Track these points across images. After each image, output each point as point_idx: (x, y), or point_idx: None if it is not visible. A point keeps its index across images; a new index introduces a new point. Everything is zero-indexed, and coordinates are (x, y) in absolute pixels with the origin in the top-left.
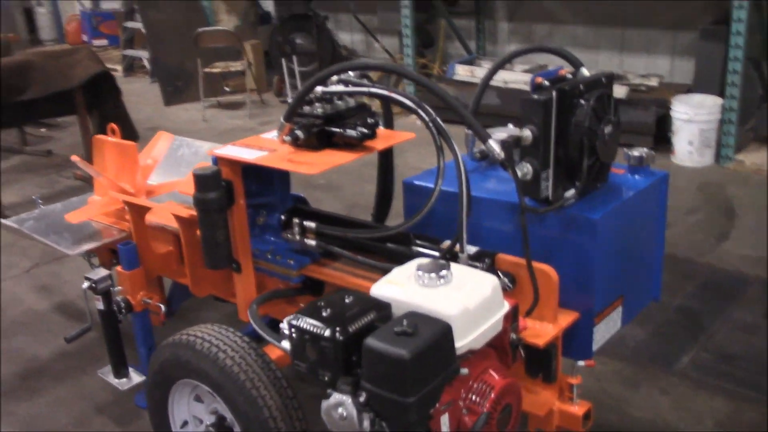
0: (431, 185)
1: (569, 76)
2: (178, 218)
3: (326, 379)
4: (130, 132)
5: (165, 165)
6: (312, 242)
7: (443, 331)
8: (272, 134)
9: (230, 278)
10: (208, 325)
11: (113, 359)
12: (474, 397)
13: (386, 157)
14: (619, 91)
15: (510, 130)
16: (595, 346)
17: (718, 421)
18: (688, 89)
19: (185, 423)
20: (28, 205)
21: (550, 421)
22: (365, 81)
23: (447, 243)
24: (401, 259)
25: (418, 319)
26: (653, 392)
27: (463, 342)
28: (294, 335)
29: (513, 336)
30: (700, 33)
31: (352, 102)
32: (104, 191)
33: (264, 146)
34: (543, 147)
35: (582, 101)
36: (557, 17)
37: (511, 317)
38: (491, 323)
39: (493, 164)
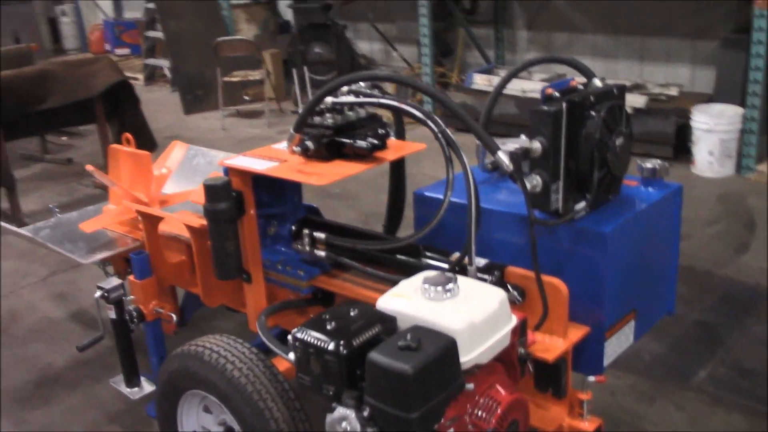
0: (441, 197)
1: (580, 87)
2: (189, 228)
3: (330, 392)
4: (148, 141)
5: (180, 174)
6: (322, 253)
7: (448, 346)
8: (284, 144)
9: (241, 288)
10: (217, 336)
11: (125, 368)
12: (480, 413)
13: (398, 168)
14: (638, 101)
15: (522, 141)
16: (606, 361)
17: None
18: (709, 99)
19: None
20: (47, 213)
21: None
22: (376, 91)
23: (456, 255)
24: (411, 270)
25: (423, 334)
26: (669, 408)
27: (468, 357)
28: (298, 348)
29: (521, 350)
30: (721, 42)
31: (363, 113)
32: (119, 200)
33: (275, 157)
34: (553, 159)
35: (593, 113)
36: (577, 26)
37: (519, 331)
38: (498, 338)
39: (505, 175)
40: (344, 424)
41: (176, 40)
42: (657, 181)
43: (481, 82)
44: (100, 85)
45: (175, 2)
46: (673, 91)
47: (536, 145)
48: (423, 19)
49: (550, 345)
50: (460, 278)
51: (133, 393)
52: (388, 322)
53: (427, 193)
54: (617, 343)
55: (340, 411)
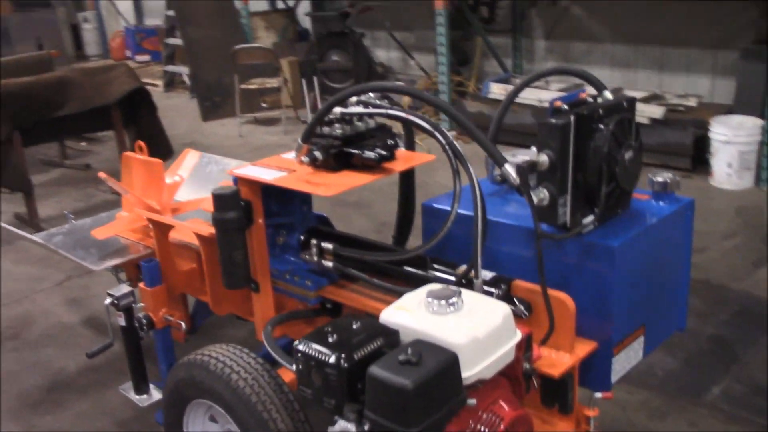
0: (449, 209)
1: (590, 99)
2: (199, 236)
3: (331, 406)
4: (165, 147)
5: (193, 182)
6: (329, 264)
7: (449, 361)
8: (293, 154)
9: (250, 297)
10: (223, 346)
11: (134, 376)
12: (482, 429)
13: (407, 179)
14: (656, 112)
15: (532, 153)
16: (614, 378)
17: None
18: (729, 110)
19: None
20: (63, 219)
21: None
22: (385, 102)
23: (463, 268)
24: (417, 282)
25: (424, 348)
26: (681, 424)
27: (471, 372)
28: (300, 360)
29: (526, 365)
30: (742, 53)
31: (372, 123)
32: (131, 208)
33: (284, 166)
34: (560, 172)
35: (601, 126)
36: (595, 36)
37: (525, 346)
38: (502, 353)
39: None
40: None
41: (195, 47)
42: (668, 195)
43: (497, 91)
44: (118, 92)
45: (194, 10)
46: (692, 102)
47: (543, 158)
48: (440, 28)
49: (557, 360)
50: (465, 292)
51: (142, 400)
52: (391, 335)
53: (435, 205)
54: (626, 359)
55: (341, 424)
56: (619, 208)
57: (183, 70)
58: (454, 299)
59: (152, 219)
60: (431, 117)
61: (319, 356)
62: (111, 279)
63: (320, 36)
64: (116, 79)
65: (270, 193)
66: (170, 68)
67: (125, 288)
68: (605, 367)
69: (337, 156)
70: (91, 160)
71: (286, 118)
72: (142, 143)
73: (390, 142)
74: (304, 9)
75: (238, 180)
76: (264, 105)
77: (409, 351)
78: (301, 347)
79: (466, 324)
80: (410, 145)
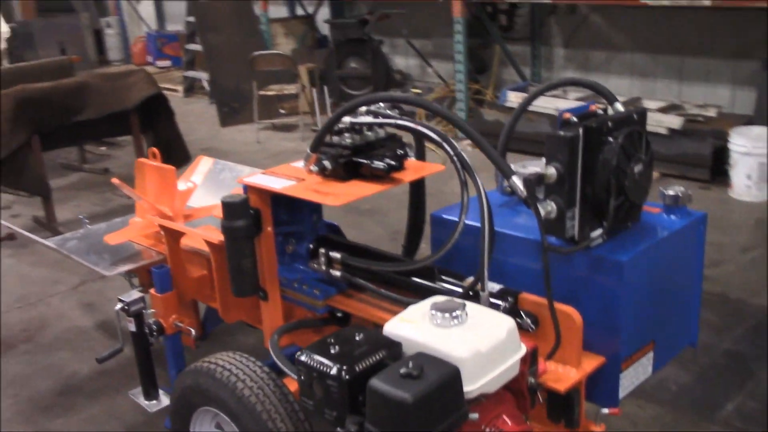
0: (458, 219)
1: (600, 111)
2: (209, 243)
3: (332, 417)
4: (182, 153)
5: (207, 188)
6: (337, 273)
7: (450, 375)
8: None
9: (259, 305)
10: (230, 354)
11: (143, 381)
12: None
13: (418, 189)
14: (675, 122)
15: (543, 164)
16: (622, 393)
17: None
18: (749, 121)
19: None
20: (81, 223)
21: None
22: (395, 112)
23: (470, 279)
24: (425, 293)
25: (426, 361)
26: None
27: (473, 386)
28: (302, 371)
29: (531, 380)
30: (762, 63)
31: (382, 133)
32: (145, 213)
33: (293, 175)
34: (568, 185)
35: (610, 139)
36: (614, 44)
37: (530, 360)
38: (506, 367)
39: None
40: None
41: (214, 52)
42: (680, 208)
43: (515, 99)
44: (136, 98)
45: (214, 16)
46: (712, 112)
47: (551, 170)
48: (458, 36)
49: (563, 375)
50: (469, 305)
51: (151, 406)
52: (394, 347)
53: (444, 216)
54: (634, 375)
55: None
56: (629, 222)
57: (203, 76)
58: (458, 312)
59: (163, 225)
60: (444, 128)
61: (321, 367)
62: (126, 284)
63: (339, 43)
64: (135, 84)
65: (280, 201)
66: (190, 74)
67: (136, 294)
68: (613, 382)
69: (346, 165)
70: (110, 165)
71: (303, 124)
72: (155, 150)
73: (399, 152)
74: (323, 16)
75: (247, 188)
76: (282, 111)
77: (411, 364)
78: (303, 358)
79: (469, 337)
80: (420, 155)
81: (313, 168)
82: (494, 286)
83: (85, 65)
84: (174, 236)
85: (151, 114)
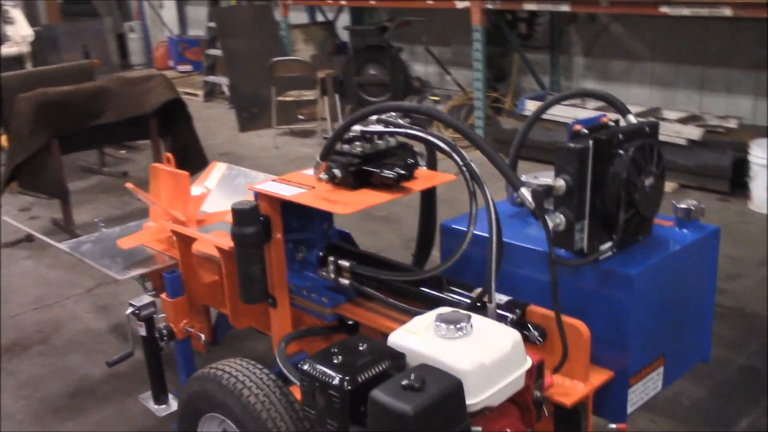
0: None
1: (612, 123)
2: (219, 249)
3: (334, 428)
4: (199, 158)
5: (221, 194)
6: (346, 281)
7: (453, 387)
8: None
9: (268, 312)
10: (237, 360)
11: (153, 385)
12: None
13: (429, 198)
14: (694, 133)
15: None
16: (630, 408)
17: None
18: None
19: None
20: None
21: None
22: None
23: (479, 290)
24: (432, 303)
25: (428, 373)
26: None
27: (476, 399)
28: (304, 381)
29: (537, 393)
30: None
31: (393, 142)
32: (158, 218)
33: (303, 183)
34: (578, 198)
35: (621, 151)
36: (635, 53)
37: (536, 374)
38: (510, 380)
39: None
40: None
41: (234, 58)
42: (692, 222)
43: (533, 108)
44: (154, 102)
45: (234, 21)
46: (732, 124)
47: (560, 182)
48: (476, 44)
49: (570, 389)
50: (475, 317)
51: (160, 410)
52: (397, 358)
53: (453, 225)
54: (643, 390)
55: None
56: (639, 235)
57: (223, 81)
58: (462, 324)
59: (175, 230)
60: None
61: (323, 377)
62: (140, 288)
63: (358, 50)
64: (153, 89)
65: (290, 208)
66: (210, 79)
67: (147, 298)
68: (621, 397)
69: (356, 174)
70: (129, 168)
71: (321, 130)
72: (169, 155)
73: (410, 161)
74: (343, 22)
75: (258, 195)
76: (301, 117)
77: (412, 376)
78: (305, 367)
79: (473, 350)
80: (432, 165)
81: (323, 176)
82: (502, 298)
83: (108, 69)
84: (186, 241)
85: (169, 118)
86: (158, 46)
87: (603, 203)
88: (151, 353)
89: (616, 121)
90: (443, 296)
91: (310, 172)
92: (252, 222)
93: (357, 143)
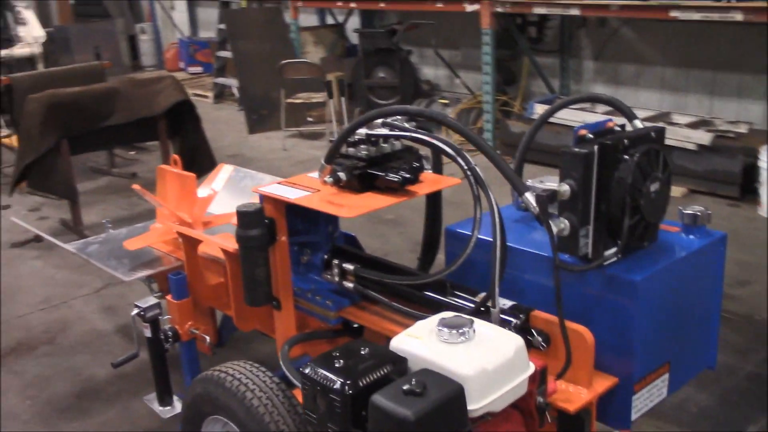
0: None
1: (617, 128)
2: (224, 252)
3: None
4: (208, 159)
5: (228, 196)
6: (350, 285)
7: (454, 393)
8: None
9: (273, 314)
10: (240, 363)
11: (158, 387)
12: None
13: (434, 202)
14: (704, 138)
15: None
16: (634, 415)
17: None
18: None
19: None
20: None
21: None
22: (411, 124)
23: (483, 295)
24: (436, 308)
25: (430, 378)
26: None
27: (478, 404)
28: (305, 385)
29: (540, 399)
30: None
31: (398, 145)
32: (165, 220)
33: (308, 186)
34: (582, 203)
35: (626, 156)
36: (645, 58)
37: (539, 379)
38: (513, 385)
39: None
40: None
41: (244, 60)
42: (699, 228)
43: (542, 112)
44: (163, 104)
45: (244, 23)
46: (743, 129)
47: (565, 187)
48: (486, 48)
49: (574, 395)
50: (478, 322)
51: (165, 412)
52: (399, 363)
53: (458, 229)
54: (648, 397)
55: None
56: (645, 241)
57: (232, 83)
58: (465, 329)
59: (181, 232)
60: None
61: (325, 381)
62: (146, 289)
63: (367, 52)
64: (163, 90)
65: (295, 211)
66: (220, 80)
67: (152, 300)
68: (625, 404)
69: (360, 177)
70: (138, 169)
71: (329, 132)
72: (176, 156)
73: (415, 164)
74: (353, 25)
75: (263, 198)
76: (310, 119)
77: (413, 381)
78: (307, 371)
79: (475, 355)
80: (437, 168)
81: (328, 179)
82: (506, 303)
83: (119, 70)
84: (191, 243)
85: (178, 120)
86: (169, 47)
87: (608, 209)
88: (156, 355)
89: (623, 126)
90: (447, 300)
91: (316, 174)
92: (257, 224)
93: (362, 146)
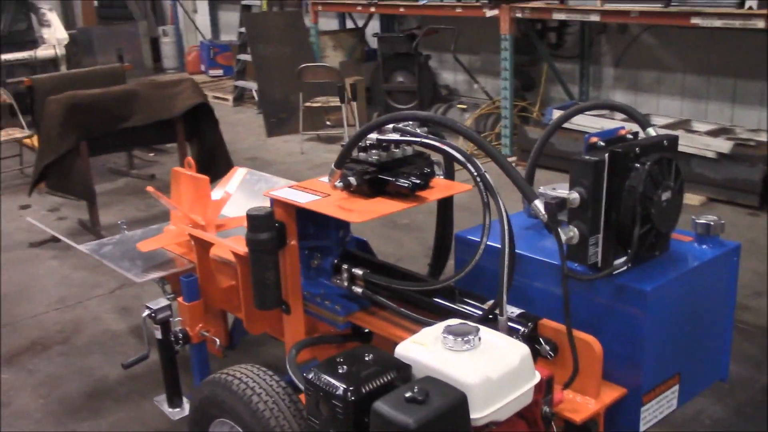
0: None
1: (630, 136)
2: (235, 254)
3: None
4: (225, 162)
5: (243, 199)
6: (359, 290)
7: (457, 401)
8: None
9: (282, 318)
10: (248, 366)
11: (168, 388)
12: None
13: (445, 208)
14: (724, 146)
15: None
16: (643, 427)
17: None
18: None
19: None
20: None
21: None
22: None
23: (491, 302)
24: (444, 314)
25: (432, 386)
26: None
27: (481, 413)
28: (309, 390)
29: (546, 409)
30: None
31: (410, 150)
32: (178, 222)
33: (319, 190)
34: (592, 211)
35: (637, 165)
36: (666, 65)
37: (545, 389)
38: (517, 395)
39: None
40: None
41: (264, 63)
42: (712, 238)
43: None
44: (181, 107)
45: (264, 27)
46: (763, 137)
47: (574, 195)
48: (505, 53)
49: (581, 405)
50: (484, 330)
51: (174, 413)
52: (403, 370)
53: (468, 236)
54: (657, 408)
55: None
56: (656, 250)
57: (252, 86)
58: (470, 336)
59: (193, 235)
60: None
61: (327, 387)
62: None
63: (386, 57)
64: (181, 93)
65: (306, 215)
66: (240, 83)
67: (163, 301)
68: (633, 415)
69: (371, 182)
70: (157, 171)
71: (348, 136)
72: (190, 159)
73: (426, 170)
74: (373, 29)
75: (273, 201)
76: (328, 123)
77: (416, 388)
78: (310, 377)
79: (480, 363)
80: (449, 174)
81: (338, 184)
82: (514, 311)
83: (141, 72)
84: (203, 246)
85: (196, 122)
86: (190, 50)
87: (618, 217)
88: (166, 356)
89: (635, 134)
90: (455, 307)
91: (327, 179)
92: (267, 228)
93: (373, 151)
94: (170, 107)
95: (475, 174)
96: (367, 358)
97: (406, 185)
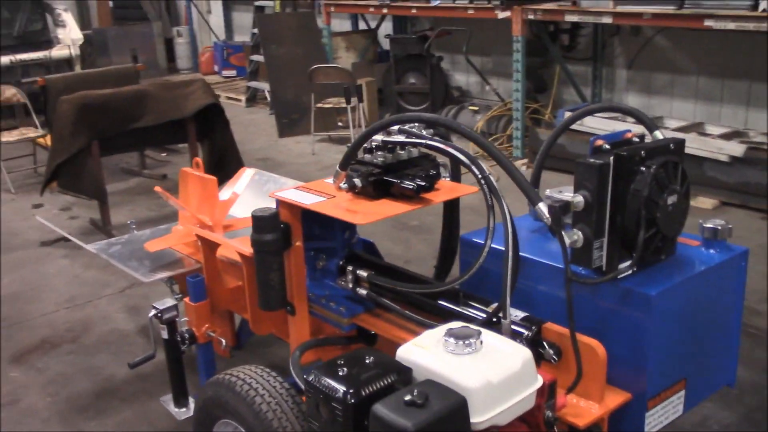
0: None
1: (636, 139)
2: (241, 255)
3: None
4: (235, 162)
5: (251, 199)
6: (363, 292)
7: (456, 405)
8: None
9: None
10: (252, 367)
11: (174, 388)
12: None
13: (452, 210)
14: (736, 149)
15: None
16: None
17: None
18: None
19: None
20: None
21: None
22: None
23: (495, 305)
24: (447, 317)
25: (432, 389)
26: None
27: (482, 417)
28: (309, 392)
29: (548, 413)
30: None
31: (415, 152)
32: (186, 222)
33: (324, 192)
34: (597, 214)
35: (643, 168)
36: (679, 67)
37: (547, 393)
38: (519, 399)
39: None
40: None
41: (276, 64)
42: (719, 242)
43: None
44: (192, 107)
45: (277, 28)
46: None
47: (579, 198)
48: (517, 55)
49: (584, 410)
50: (486, 333)
51: (180, 413)
52: (403, 373)
53: (473, 239)
54: (662, 414)
55: None
56: (662, 254)
57: (265, 87)
58: (471, 340)
59: (199, 235)
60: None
61: (327, 390)
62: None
63: (398, 58)
64: (192, 93)
65: (312, 217)
66: (253, 84)
67: (170, 301)
68: (638, 420)
69: (376, 184)
70: (169, 171)
71: (354, 137)
72: (198, 159)
73: (432, 172)
74: (386, 30)
75: (279, 203)
76: (340, 124)
77: (416, 392)
78: (310, 379)
79: (481, 367)
80: (455, 176)
81: (343, 185)
82: (518, 314)
83: (156, 73)
84: (210, 246)
85: (207, 123)
86: (204, 51)
87: (623, 221)
88: (172, 356)
89: (642, 137)
90: (459, 310)
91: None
92: (272, 229)
93: (378, 153)
94: (181, 107)
95: (480, 176)
96: (367, 361)
97: (411, 187)
